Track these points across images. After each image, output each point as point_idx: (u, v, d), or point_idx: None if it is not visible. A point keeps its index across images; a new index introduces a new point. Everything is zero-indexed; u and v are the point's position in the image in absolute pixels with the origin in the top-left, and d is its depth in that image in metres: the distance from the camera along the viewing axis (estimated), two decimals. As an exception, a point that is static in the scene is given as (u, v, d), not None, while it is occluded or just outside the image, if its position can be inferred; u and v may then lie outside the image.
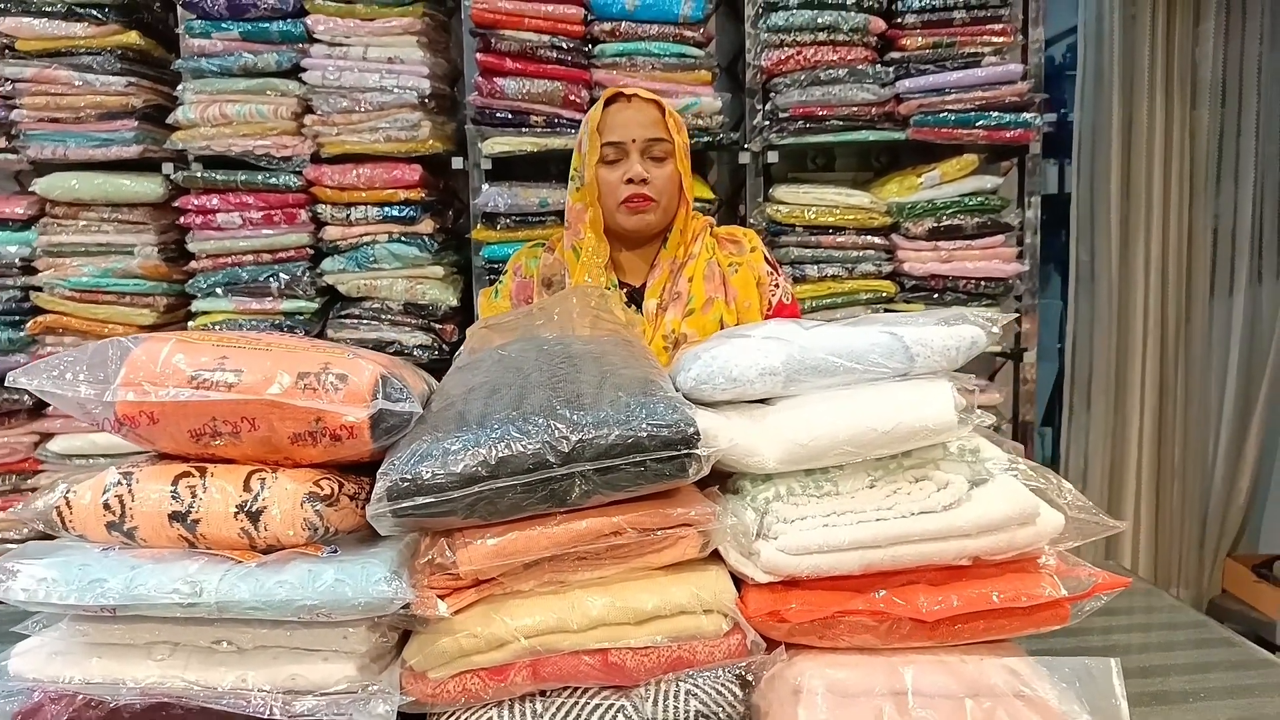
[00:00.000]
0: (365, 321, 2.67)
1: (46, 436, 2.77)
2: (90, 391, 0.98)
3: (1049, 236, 3.87)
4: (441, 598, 1.02)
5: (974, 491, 1.10)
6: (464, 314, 2.78)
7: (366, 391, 1.01)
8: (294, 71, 2.61)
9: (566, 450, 0.98)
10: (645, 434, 0.99)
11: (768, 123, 2.81)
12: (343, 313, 2.69)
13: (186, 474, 1.01)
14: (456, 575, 1.02)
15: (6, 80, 2.58)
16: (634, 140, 1.75)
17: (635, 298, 1.82)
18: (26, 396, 2.69)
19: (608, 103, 1.79)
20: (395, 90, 2.57)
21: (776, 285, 1.87)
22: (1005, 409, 3.09)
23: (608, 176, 1.77)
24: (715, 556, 1.09)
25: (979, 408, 3.03)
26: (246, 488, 1.00)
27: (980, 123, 2.82)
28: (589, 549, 1.03)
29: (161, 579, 0.95)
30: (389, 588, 0.95)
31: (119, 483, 1.01)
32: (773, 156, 2.83)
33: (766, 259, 1.89)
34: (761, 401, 1.14)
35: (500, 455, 0.97)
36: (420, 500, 0.96)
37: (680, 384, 1.12)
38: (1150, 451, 3.71)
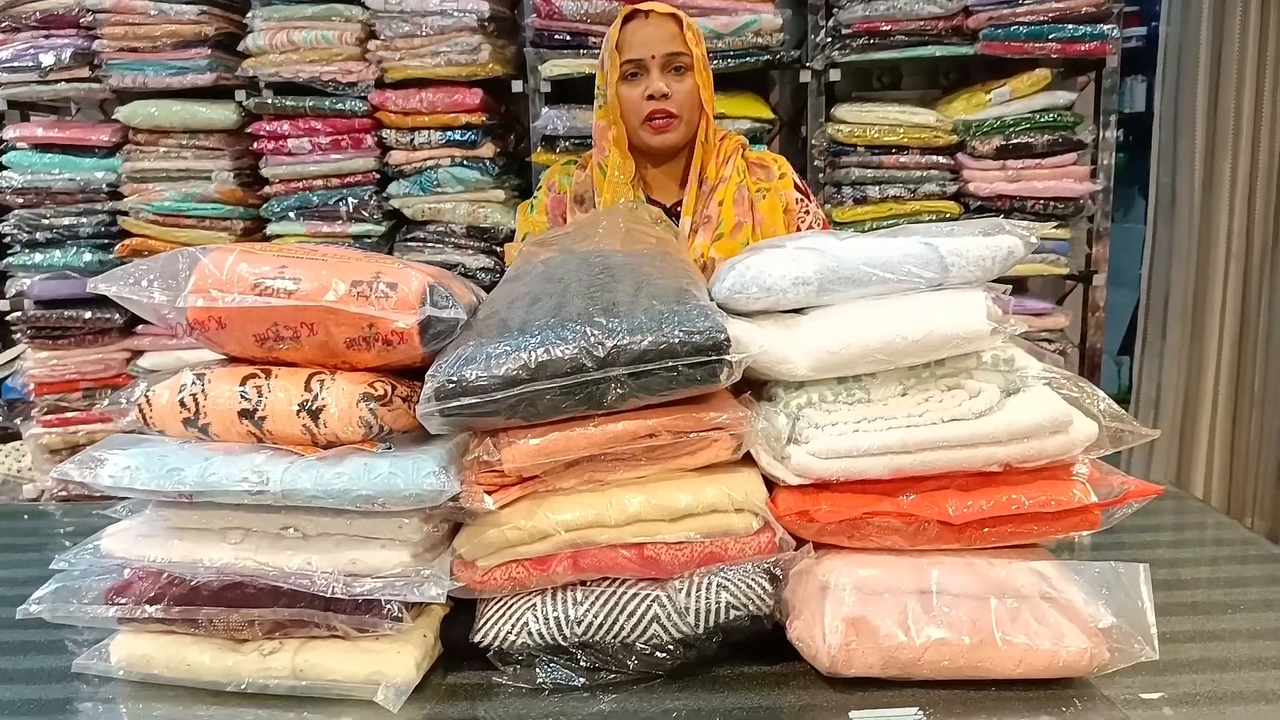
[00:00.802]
0: (430, 244, 2.75)
1: (137, 353, 2.94)
2: (163, 297, 1.06)
3: (1136, 157, 3.73)
4: (488, 493, 1.08)
5: (1007, 400, 1.11)
6: (526, 237, 2.83)
7: (415, 299, 1.07)
8: (358, -4, 2.65)
9: (602, 355, 1.02)
10: (677, 340, 1.03)
11: (830, 39, 2.76)
12: (408, 236, 2.77)
13: (253, 375, 1.09)
14: (502, 472, 1.08)
15: (88, 11, 2.68)
16: (653, 56, 1.75)
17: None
18: (118, 315, 2.85)
19: (625, 20, 1.79)
20: (455, 14, 2.59)
21: (806, 212, 1.87)
22: (1073, 334, 3.04)
23: (629, 94, 1.77)
24: (748, 459, 1.14)
25: (1044, 331, 2.94)
26: (307, 388, 1.07)
27: (1054, 35, 2.72)
28: (626, 450, 1.08)
29: (232, 469, 1.04)
30: (438, 481, 1.02)
31: (193, 383, 1.09)
32: (836, 75, 2.78)
33: (797, 185, 1.89)
34: (795, 311, 1.17)
35: (540, 359, 1.02)
36: (465, 400, 1.03)
37: (715, 294, 1.15)
38: (1228, 380, 3.60)
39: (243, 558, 1.07)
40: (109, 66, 2.71)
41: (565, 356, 1.03)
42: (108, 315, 2.84)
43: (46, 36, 2.73)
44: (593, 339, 1.03)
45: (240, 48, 2.67)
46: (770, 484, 1.13)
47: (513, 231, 2.76)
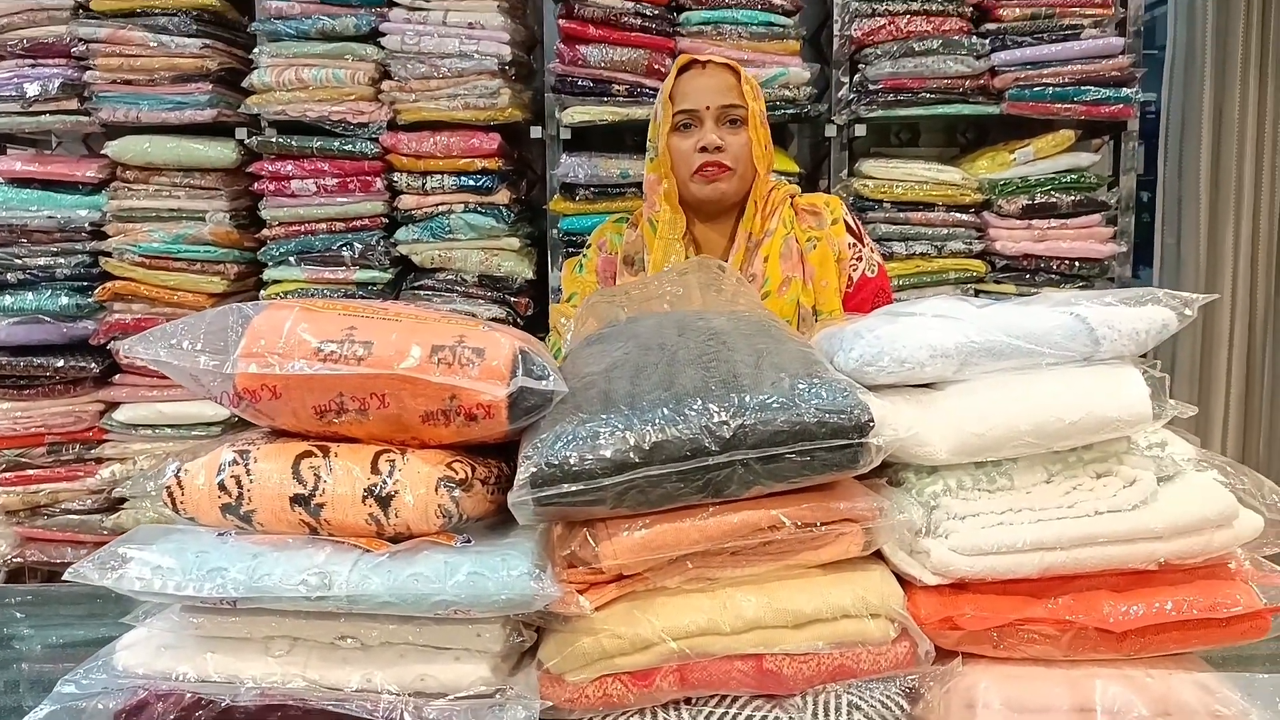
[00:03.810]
0: (439, 293, 2.60)
1: (112, 405, 2.72)
2: (210, 362, 0.89)
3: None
4: (579, 593, 0.93)
5: (1162, 489, 0.99)
6: (538, 287, 2.70)
7: (505, 367, 0.92)
8: (372, 36, 2.53)
9: (727, 436, 0.88)
10: (814, 420, 0.89)
11: (855, 95, 2.69)
12: (416, 284, 2.62)
13: (308, 454, 0.93)
14: (597, 569, 0.93)
15: (80, 41, 2.52)
16: (708, 107, 1.67)
17: None
18: (94, 364, 2.64)
19: (681, 70, 1.71)
20: (475, 56, 2.47)
21: (859, 258, 1.76)
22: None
23: (680, 145, 1.69)
24: (875, 556, 1.00)
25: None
26: (375, 470, 0.91)
27: (1079, 97, 2.69)
28: (741, 544, 0.94)
29: (287, 569, 0.87)
30: (535, 584, 0.87)
31: (235, 462, 0.93)
32: (861, 130, 2.71)
33: (850, 228, 1.78)
34: (925, 386, 1.04)
35: (654, 440, 0.88)
36: (567, 488, 0.88)
37: (840, 365, 1.02)
38: (1235, 445, 3.57)
39: (290, 674, 0.90)
40: (99, 99, 2.54)
41: (684, 437, 0.88)
42: (83, 363, 2.63)
43: (33, 66, 2.55)
44: (716, 417, 0.89)
45: (245, 84, 2.52)
46: (901, 584, 0.99)
47: (527, 281, 2.64)
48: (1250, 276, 3.50)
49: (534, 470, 0.88)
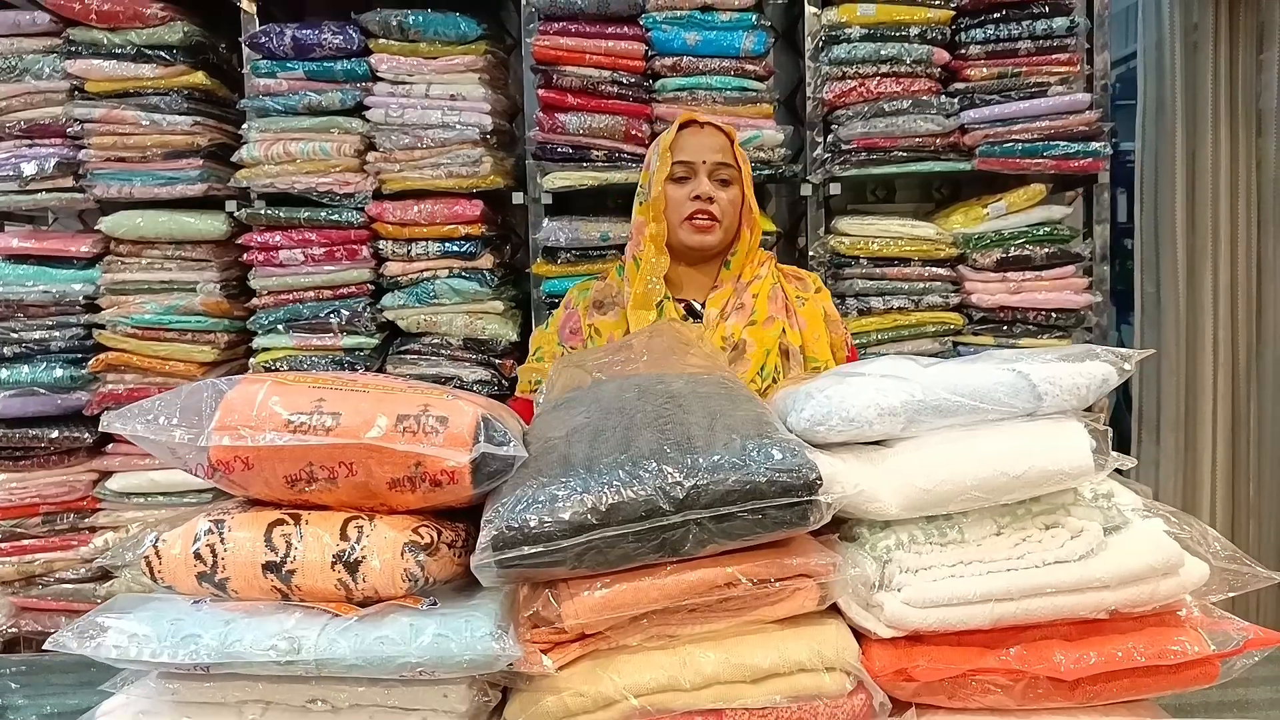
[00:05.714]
0: (425, 357, 2.64)
1: (105, 474, 2.75)
2: (185, 436, 0.94)
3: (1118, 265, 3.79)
4: (544, 652, 0.96)
5: (1110, 539, 1.02)
6: (523, 349, 2.75)
7: (468, 434, 0.96)
8: (358, 109, 2.60)
9: (680, 496, 0.92)
10: (764, 479, 0.93)
11: (829, 155, 2.76)
12: (402, 348, 2.66)
13: (280, 522, 0.97)
14: (560, 629, 0.96)
15: (76, 121, 2.60)
16: (704, 162, 1.82)
17: (694, 312, 1.85)
18: (88, 434, 2.67)
19: (681, 126, 1.87)
20: (457, 127, 2.55)
21: (844, 329, 1.93)
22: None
23: (675, 193, 1.83)
24: (832, 610, 1.03)
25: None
26: (343, 536, 0.95)
27: (1048, 152, 2.76)
28: (700, 601, 0.97)
29: (258, 634, 0.90)
30: (496, 644, 0.90)
31: (210, 531, 0.96)
32: (834, 189, 2.78)
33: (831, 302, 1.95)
34: (876, 443, 1.08)
35: (610, 502, 0.92)
36: (527, 550, 0.91)
37: (792, 424, 1.06)
38: (1224, 489, 3.58)
39: (263, 737, 0.93)
40: (94, 176, 2.61)
41: (639, 498, 0.92)
42: (77, 434, 2.66)
43: (30, 146, 2.62)
44: (669, 478, 0.93)
45: (234, 158, 2.59)
46: (858, 637, 1.02)
47: (511, 344, 2.69)
48: (1231, 323, 3.52)
49: (495, 533, 0.92)
